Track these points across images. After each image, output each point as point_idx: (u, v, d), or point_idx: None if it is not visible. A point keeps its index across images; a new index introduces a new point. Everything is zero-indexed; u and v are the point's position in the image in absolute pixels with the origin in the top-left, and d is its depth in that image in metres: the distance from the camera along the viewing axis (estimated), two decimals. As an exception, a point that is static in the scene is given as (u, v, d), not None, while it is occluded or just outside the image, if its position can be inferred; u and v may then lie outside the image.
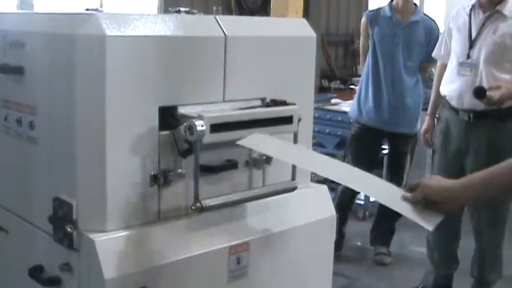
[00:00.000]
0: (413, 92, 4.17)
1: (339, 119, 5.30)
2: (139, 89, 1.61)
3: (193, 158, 1.65)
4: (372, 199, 5.06)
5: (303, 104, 1.90)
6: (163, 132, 1.67)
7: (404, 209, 1.63)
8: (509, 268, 3.69)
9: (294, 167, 1.88)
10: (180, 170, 1.70)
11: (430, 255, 3.77)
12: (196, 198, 1.64)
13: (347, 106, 5.17)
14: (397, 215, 3.66)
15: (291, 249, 1.95)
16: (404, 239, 4.61)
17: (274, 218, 1.90)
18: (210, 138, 1.64)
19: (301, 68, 2.02)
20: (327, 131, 5.35)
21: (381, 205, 4.37)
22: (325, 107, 5.58)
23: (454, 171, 3.24)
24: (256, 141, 1.74)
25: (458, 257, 3.72)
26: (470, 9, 3.35)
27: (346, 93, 8.04)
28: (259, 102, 1.88)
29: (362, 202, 5.13)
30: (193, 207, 1.65)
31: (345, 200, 4.32)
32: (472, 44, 3.30)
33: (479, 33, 3.28)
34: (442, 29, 3.91)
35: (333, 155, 4.39)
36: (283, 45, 1.95)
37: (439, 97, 3.61)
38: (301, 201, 1.98)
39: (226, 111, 1.77)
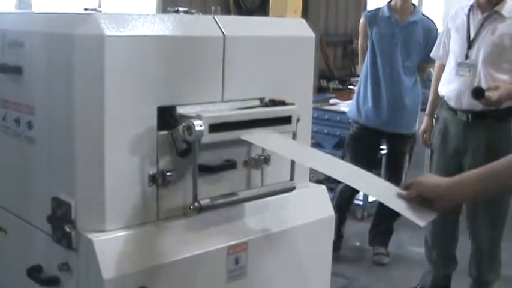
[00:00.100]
0: (412, 92, 4.17)
1: (338, 119, 5.30)
2: (138, 88, 1.61)
3: (191, 158, 1.65)
4: (370, 199, 5.07)
5: (301, 104, 1.90)
6: (161, 132, 1.67)
7: (401, 206, 1.64)
8: (508, 268, 3.69)
9: (292, 167, 1.88)
10: (178, 170, 1.70)
11: (428, 255, 3.77)
12: (195, 198, 1.64)
13: (345, 106, 5.17)
14: (395, 215, 3.68)
15: (290, 249, 1.95)
16: (403, 239, 4.61)
17: (272, 218, 1.90)
18: (208, 138, 1.63)
19: (299, 68, 2.01)
20: (326, 131, 5.35)
21: (379, 205, 4.38)
22: (323, 107, 5.57)
23: (453, 172, 3.20)
24: (260, 137, 1.74)
25: (456, 257, 3.72)
26: (469, 10, 3.35)
27: (344, 93, 8.02)
28: (258, 102, 1.88)
29: (360, 202, 5.13)
30: (191, 207, 1.65)
31: (344, 200, 4.32)
32: (470, 44, 3.30)
33: (477, 34, 3.29)
34: (440, 29, 3.91)
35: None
36: (281, 45, 1.94)
37: (438, 97, 3.61)
38: (299, 201, 1.97)
39: (225, 111, 1.76)
